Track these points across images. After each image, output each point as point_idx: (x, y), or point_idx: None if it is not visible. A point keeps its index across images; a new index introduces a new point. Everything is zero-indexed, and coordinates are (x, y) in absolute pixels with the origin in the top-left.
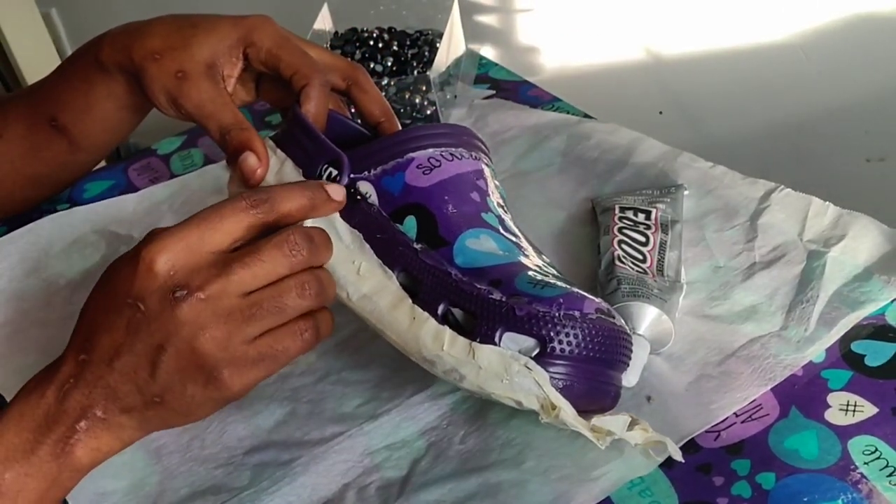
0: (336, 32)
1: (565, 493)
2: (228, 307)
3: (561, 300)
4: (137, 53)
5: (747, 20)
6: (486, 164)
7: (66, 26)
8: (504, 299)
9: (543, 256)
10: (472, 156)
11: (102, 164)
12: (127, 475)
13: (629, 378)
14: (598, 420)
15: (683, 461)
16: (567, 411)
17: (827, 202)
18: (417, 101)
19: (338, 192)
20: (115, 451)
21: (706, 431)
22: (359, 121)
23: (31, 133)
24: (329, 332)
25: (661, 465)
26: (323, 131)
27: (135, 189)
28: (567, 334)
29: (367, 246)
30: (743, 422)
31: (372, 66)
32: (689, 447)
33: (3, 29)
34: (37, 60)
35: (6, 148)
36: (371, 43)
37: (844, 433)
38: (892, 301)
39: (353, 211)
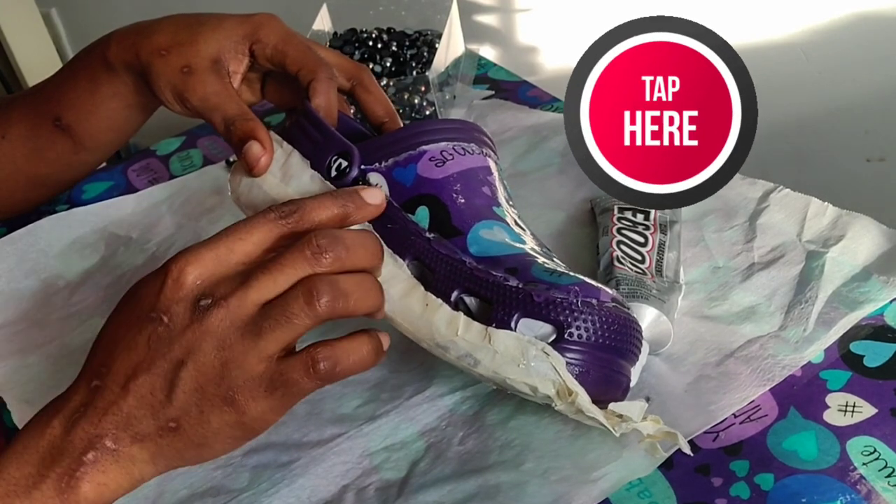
0: (335, 33)
1: (564, 495)
2: (245, 318)
3: (577, 288)
4: (144, 50)
5: (747, 20)
6: (494, 161)
7: (66, 26)
8: (521, 286)
9: (552, 253)
10: (482, 152)
11: (102, 164)
12: None
13: None
14: (614, 405)
15: (684, 461)
16: (583, 397)
17: (826, 202)
18: (416, 101)
19: (375, 196)
20: (125, 489)
21: (705, 432)
22: (360, 119)
23: (35, 133)
24: (358, 365)
25: (660, 467)
26: (335, 127)
27: (134, 190)
28: (584, 321)
29: (377, 236)
30: (742, 422)
31: (371, 66)
32: None
33: (3, 29)
34: (37, 60)
35: (9, 148)
36: (370, 43)
37: (843, 434)
38: (891, 301)
39: None
